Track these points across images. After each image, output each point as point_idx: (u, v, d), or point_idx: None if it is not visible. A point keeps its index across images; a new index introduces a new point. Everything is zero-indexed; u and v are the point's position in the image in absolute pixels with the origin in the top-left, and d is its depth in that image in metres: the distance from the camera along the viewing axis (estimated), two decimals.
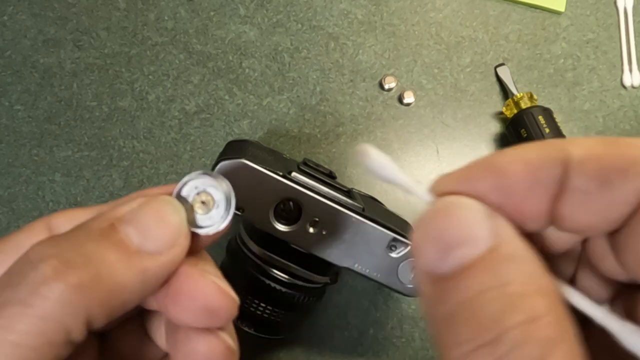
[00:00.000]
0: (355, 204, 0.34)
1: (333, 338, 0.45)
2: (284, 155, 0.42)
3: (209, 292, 0.17)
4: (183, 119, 0.48)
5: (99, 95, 0.48)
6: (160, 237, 0.16)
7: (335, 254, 0.33)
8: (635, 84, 0.50)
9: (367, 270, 0.34)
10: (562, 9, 0.51)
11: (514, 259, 0.12)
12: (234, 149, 0.36)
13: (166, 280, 0.17)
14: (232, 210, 0.18)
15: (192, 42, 0.49)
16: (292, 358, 0.45)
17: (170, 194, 0.18)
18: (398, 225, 0.35)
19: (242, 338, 0.38)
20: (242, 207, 0.32)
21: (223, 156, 0.33)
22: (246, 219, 0.32)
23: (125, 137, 0.47)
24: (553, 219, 0.13)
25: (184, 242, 0.17)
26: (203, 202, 0.18)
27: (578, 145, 0.13)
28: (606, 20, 0.52)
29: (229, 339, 0.18)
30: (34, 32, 0.49)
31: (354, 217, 0.33)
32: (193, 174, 0.18)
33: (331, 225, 0.33)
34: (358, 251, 0.33)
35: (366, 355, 0.45)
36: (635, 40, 0.51)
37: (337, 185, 0.38)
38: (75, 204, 0.46)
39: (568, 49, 0.51)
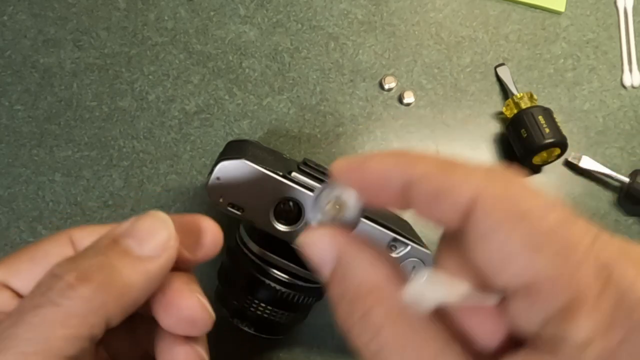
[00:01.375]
0: None
1: (333, 338, 0.45)
2: (284, 155, 0.42)
3: (193, 305, 0.21)
4: (183, 119, 0.48)
5: (99, 95, 0.48)
6: (154, 244, 0.20)
7: None
8: (635, 84, 0.50)
9: None
10: (562, 9, 0.51)
11: (347, 273, 0.17)
12: (234, 149, 0.36)
13: (168, 285, 0.21)
14: (357, 222, 0.20)
15: (192, 42, 0.49)
16: (292, 358, 0.45)
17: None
18: (398, 225, 0.35)
19: (242, 338, 0.38)
20: (242, 207, 0.32)
21: (223, 156, 0.33)
22: (246, 219, 0.32)
23: (125, 137, 0.47)
24: (409, 207, 0.17)
25: (174, 245, 0.21)
26: (338, 206, 0.21)
27: (420, 165, 0.17)
28: (606, 20, 0.52)
29: (203, 352, 0.22)
30: (34, 32, 0.49)
31: None
32: (323, 186, 0.21)
33: None
34: None
35: None
36: (635, 40, 0.51)
37: None
38: (75, 204, 0.46)
39: (568, 49, 0.51)
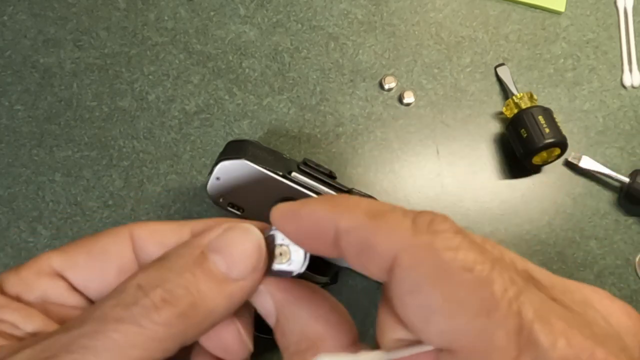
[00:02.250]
0: None
1: None
2: (284, 155, 0.42)
3: (232, 338, 0.20)
4: (183, 119, 0.48)
5: (99, 95, 0.48)
6: (243, 265, 0.19)
7: None
8: (635, 84, 0.50)
9: None
10: (562, 9, 0.51)
11: (286, 329, 0.19)
12: (234, 149, 0.36)
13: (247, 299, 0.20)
14: (304, 269, 0.20)
15: (192, 42, 0.49)
16: None
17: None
18: None
19: None
20: (242, 207, 0.32)
21: (223, 156, 0.33)
22: (246, 219, 0.32)
23: (125, 137, 0.47)
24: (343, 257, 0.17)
25: (262, 268, 0.19)
26: (281, 254, 0.20)
27: (348, 216, 0.16)
28: (606, 20, 0.52)
29: None
30: (34, 32, 0.49)
31: None
32: (269, 231, 0.20)
33: None
34: None
35: None
36: (635, 40, 0.51)
37: (337, 185, 0.38)
38: (75, 204, 0.46)
39: (568, 49, 0.51)
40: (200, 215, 0.46)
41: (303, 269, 0.20)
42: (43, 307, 0.19)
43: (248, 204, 0.32)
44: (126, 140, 0.47)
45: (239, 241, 0.19)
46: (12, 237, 0.45)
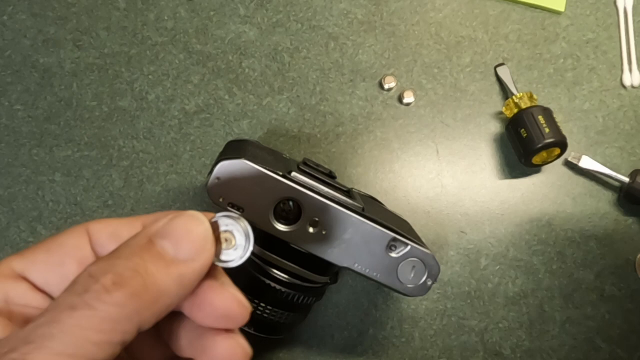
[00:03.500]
0: (355, 204, 0.34)
1: (333, 338, 0.45)
2: (284, 155, 0.42)
3: (228, 302, 0.20)
4: (183, 119, 0.48)
5: (99, 95, 0.48)
6: (190, 246, 0.20)
7: (335, 254, 0.33)
8: (635, 84, 0.50)
9: (367, 270, 0.34)
10: (562, 9, 0.51)
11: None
12: (234, 149, 0.36)
13: (198, 283, 0.20)
14: (248, 254, 0.21)
15: (192, 42, 0.49)
16: (292, 358, 0.45)
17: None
18: (398, 225, 0.35)
19: None
20: (242, 207, 0.32)
21: (223, 156, 0.33)
22: (246, 219, 0.32)
23: (125, 137, 0.47)
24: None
25: (211, 249, 0.20)
26: (226, 240, 0.21)
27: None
28: (606, 20, 0.52)
29: (244, 341, 0.21)
30: (34, 32, 0.49)
31: (354, 217, 0.33)
32: (224, 213, 0.21)
33: (331, 225, 0.33)
34: (358, 251, 0.33)
35: (366, 355, 0.45)
36: (635, 40, 0.51)
37: (337, 185, 0.38)
38: (75, 204, 0.46)
39: (568, 49, 0.51)
40: None
41: (249, 252, 0.21)
42: (7, 310, 0.20)
43: (248, 204, 0.32)
44: (126, 140, 0.47)
45: (185, 226, 0.20)
46: (12, 237, 0.45)
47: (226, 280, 0.21)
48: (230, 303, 0.20)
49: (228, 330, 0.21)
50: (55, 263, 0.21)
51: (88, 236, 0.22)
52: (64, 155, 0.47)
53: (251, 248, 0.21)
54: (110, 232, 0.21)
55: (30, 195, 0.46)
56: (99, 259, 0.19)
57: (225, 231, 0.21)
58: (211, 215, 0.21)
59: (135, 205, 0.46)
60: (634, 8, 0.52)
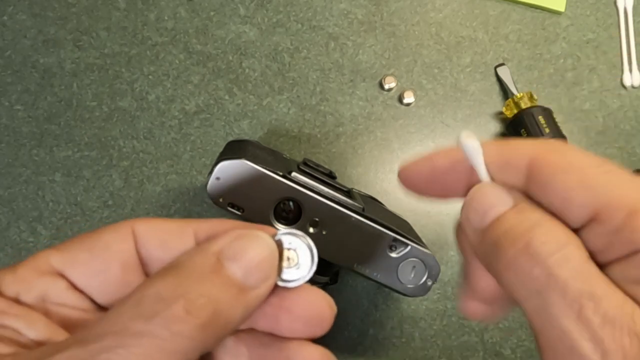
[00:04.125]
0: (356, 204, 0.34)
1: (333, 338, 0.45)
2: (284, 155, 0.42)
3: (320, 303, 0.20)
4: (183, 119, 0.48)
5: (99, 95, 0.48)
6: (259, 272, 0.19)
7: (335, 254, 0.33)
8: (635, 84, 0.50)
9: (367, 270, 0.34)
10: (562, 9, 0.51)
11: (526, 209, 0.19)
12: (234, 149, 0.36)
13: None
14: (312, 274, 0.20)
15: (192, 42, 0.49)
16: None
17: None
18: (398, 225, 0.35)
19: None
20: (242, 207, 0.32)
21: (223, 156, 0.33)
22: (246, 219, 0.32)
23: (125, 137, 0.47)
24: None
25: (275, 275, 0.20)
26: (288, 259, 0.20)
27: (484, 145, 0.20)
28: (606, 20, 0.52)
29: (327, 350, 0.21)
30: (34, 32, 0.49)
31: (354, 217, 0.33)
32: (287, 230, 0.21)
33: (331, 225, 0.33)
34: (358, 251, 0.33)
35: (366, 355, 0.45)
36: (635, 40, 0.51)
37: (337, 185, 0.38)
38: (75, 204, 0.46)
39: (568, 49, 0.51)
40: (200, 216, 0.46)
41: (312, 271, 0.20)
42: (43, 308, 0.19)
43: (248, 204, 0.32)
44: (126, 140, 0.47)
45: (253, 248, 0.19)
46: (12, 237, 0.45)
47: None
48: (322, 303, 0.20)
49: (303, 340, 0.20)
50: (98, 265, 0.20)
51: (133, 237, 0.20)
52: (64, 155, 0.47)
53: (314, 267, 0.20)
54: (159, 240, 0.20)
55: (30, 195, 0.46)
56: (163, 273, 0.18)
57: (289, 249, 0.20)
58: (273, 231, 0.20)
59: (135, 205, 0.46)
60: (634, 8, 0.52)
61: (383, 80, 0.49)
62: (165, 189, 0.47)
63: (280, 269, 0.20)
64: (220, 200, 0.32)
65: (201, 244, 0.20)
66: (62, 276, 0.20)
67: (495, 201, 0.19)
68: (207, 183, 0.32)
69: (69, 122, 0.48)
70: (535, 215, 0.18)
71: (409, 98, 0.49)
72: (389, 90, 0.49)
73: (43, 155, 0.47)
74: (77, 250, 0.20)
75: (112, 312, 0.17)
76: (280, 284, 0.20)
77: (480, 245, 0.20)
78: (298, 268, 0.20)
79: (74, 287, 0.20)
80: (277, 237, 0.20)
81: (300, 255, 0.20)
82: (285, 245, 0.20)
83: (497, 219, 0.19)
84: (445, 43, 0.51)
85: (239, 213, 0.32)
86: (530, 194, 0.19)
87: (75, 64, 0.49)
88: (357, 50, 0.50)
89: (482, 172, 0.20)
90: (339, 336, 0.45)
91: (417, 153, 0.48)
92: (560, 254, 0.17)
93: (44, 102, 0.48)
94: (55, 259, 0.20)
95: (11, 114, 0.47)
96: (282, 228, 0.20)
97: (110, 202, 0.46)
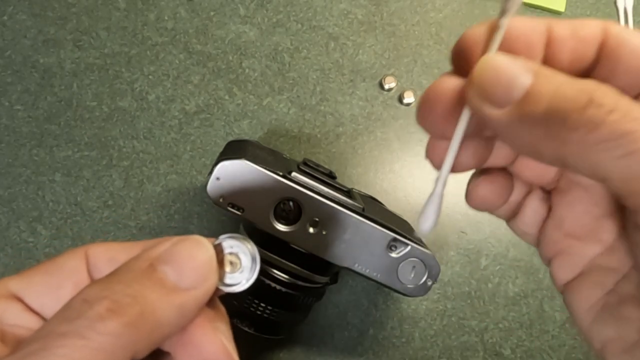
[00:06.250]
0: (355, 204, 0.34)
1: (333, 338, 0.45)
2: (284, 155, 0.42)
3: (215, 350, 0.19)
4: (183, 119, 0.48)
5: (99, 95, 0.48)
6: (193, 274, 0.19)
7: (335, 254, 0.33)
8: None
9: (367, 270, 0.34)
10: (562, 9, 0.51)
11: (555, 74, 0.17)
12: (234, 149, 0.36)
13: (197, 313, 0.19)
14: (255, 277, 0.20)
15: (192, 42, 0.49)
16: (292, 358, 0.45)
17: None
18: (398, 225, 0.35)
19: (242, 338, 0.38)
20: (242, 207, 0.32)
21: (223, 156, 0.33)
22: (246, 219, 0.32)
23: (125, 137, 0.47)
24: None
25: (214, 277, 0.19)
26: (231, 263, 0.20)
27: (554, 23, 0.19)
28: (606, 20, 0.52)
29: None
30: (34, 32, 0.49)
31: (354, 217, 0.33)
32: (228, 235, 0.20)
33: (331, 225, 0.33)
34: (358, 251, 0.33)
35: (366, 355, 0.45)
36: None
37: (337, 185, 0.38)
38: (75, 204, 0.46)
39: None
40: (200, 216, 0.46)
41: (255, 274, 0.20)
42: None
43: (248, 204, 0.32)
44: (126, 140, 0.47)
45: (187, 250, 0.19)
46: (12, 237, 0.45)
47: (221, 325, 0.20)
48: (218, 352, 0.19)
49: None
50: (52, 285, 0.20)
51: (86, 258, 0.21)
52: (64, 155, 0.47)
53: (257, 270, 0.20)
54: (109, 257, 0.21)
55: (30, 195, 0.46)
56: (95, 281, 0.19)
57: (230, 253, 0.20)
58: (214, 239, 0.20)
59: (135, 205, 0.46)
60: (634, 8, 0.52)
61: (383, 80, 0.49)
62: (165, 189, 0.47)
63: (222, 274, 0.20)
64: (220, 200, 0.32)
65: (141, 252, 0.20)
66: (19, 299, 0.20)
67: (518, 69, 0.17)
68: (207, 183, 0.32)
69: (69, 122, 0.48)
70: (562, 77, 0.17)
71: (409, 98, 0.49)
72: (389, 90, 0.49)
73: (43, 155, 0.47)
74: (34, 274, 0.20)
75: (45, 322, 0.18)
76: (223, 288, 0.20)
77: (519, 118, 0.17)
78: (242, 272, 0.20)
79: (30, 309, 0.20)
80: (217, 242, 0.20)
81: (242, 258, 0.20)
82: (227, 249, 0.20)
83: (534, 85, 0.17)
84: (445, 43, 0.51)
85: (239, 213, 0.32)
86: (593, 72, 0.19)
87: (75, 64, 0.49)
88: (357, 50, 0.50)
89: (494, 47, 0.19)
90: (339, 336, 0.45)
91: (417, 153, 0.48)
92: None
93: (44, 102, 0.48)
94: (13, 283, 0.20)
95: (11, 114, 0.47)
96: (224, 234, 0.20)
97: (110, 202, 0.46)
